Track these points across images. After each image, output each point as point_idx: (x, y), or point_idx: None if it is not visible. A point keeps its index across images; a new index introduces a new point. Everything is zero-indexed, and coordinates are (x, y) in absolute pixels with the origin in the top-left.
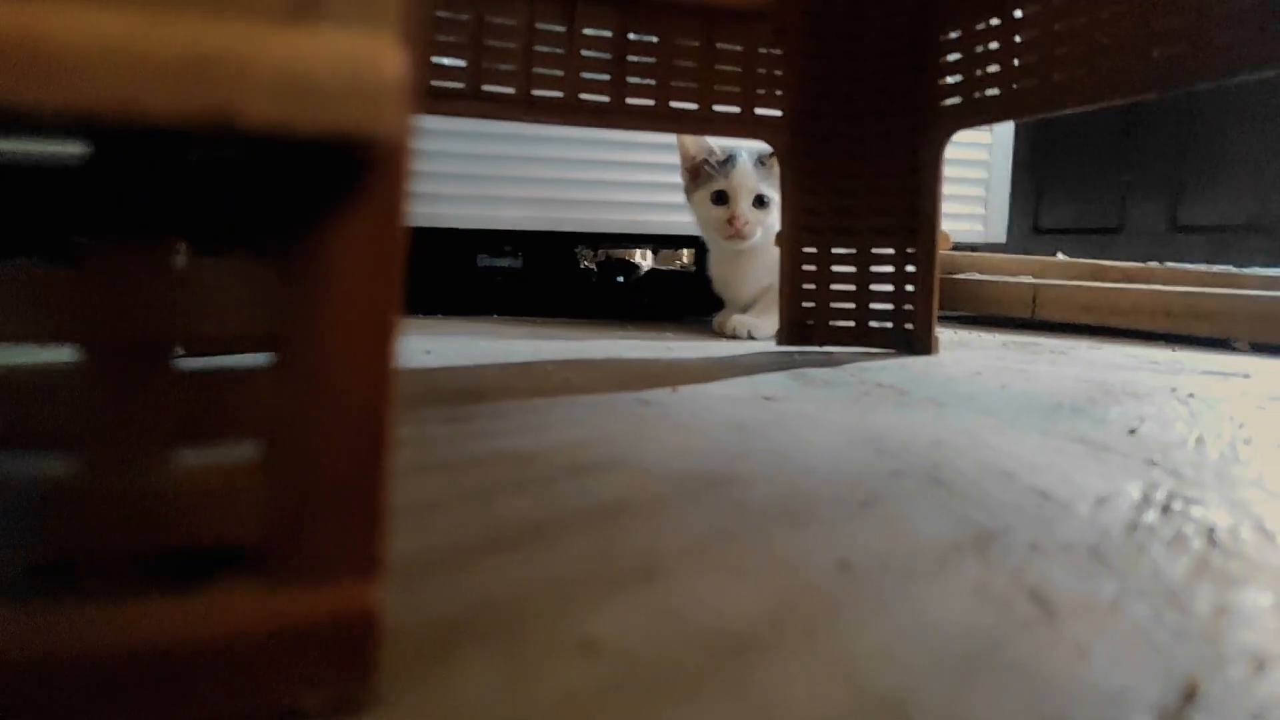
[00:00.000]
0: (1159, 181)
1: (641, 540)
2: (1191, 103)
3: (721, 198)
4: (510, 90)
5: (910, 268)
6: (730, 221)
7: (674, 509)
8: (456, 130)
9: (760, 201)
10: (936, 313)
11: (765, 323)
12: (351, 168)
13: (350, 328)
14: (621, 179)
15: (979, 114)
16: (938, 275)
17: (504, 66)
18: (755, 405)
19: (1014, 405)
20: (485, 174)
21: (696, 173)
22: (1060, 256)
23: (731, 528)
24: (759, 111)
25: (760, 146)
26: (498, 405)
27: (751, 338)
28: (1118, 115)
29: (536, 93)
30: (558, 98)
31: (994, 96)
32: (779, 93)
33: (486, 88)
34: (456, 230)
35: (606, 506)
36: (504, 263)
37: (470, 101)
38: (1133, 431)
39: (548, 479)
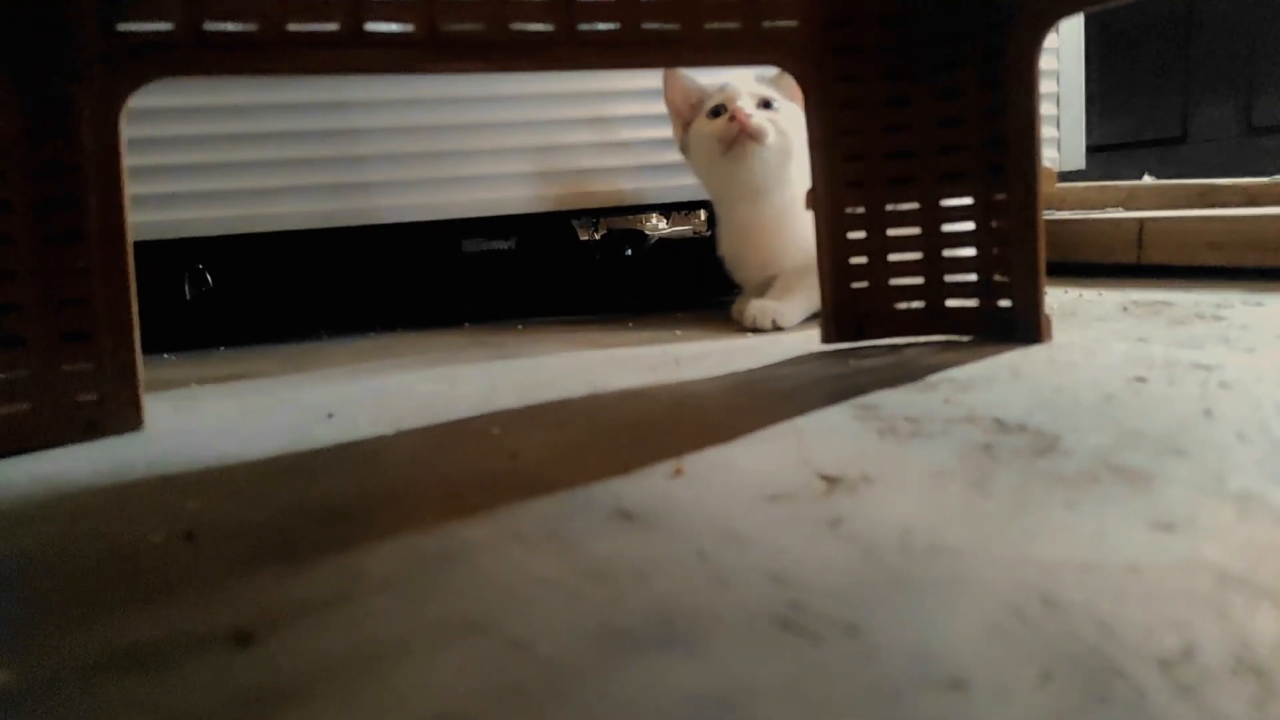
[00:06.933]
0: (1228, 80)
1: None
2: None
3: (719, 111)
4: (408, 28)
5: (999, 221)
6: (732, 120)
7: None
8: (413, 99)
9: (766, 105)
10: (1044, 281)
11: (790, 306)
12: None
13: None
14: (615, 138)
15: None
16: (1042, 228)
17: None
18: (812, 513)
19: (1277, 468)
20: (460, 149)
21: (690, 119)
22: (1147, 179)
23: None
24: (767, 24)
25: (764, 72)
26: (352, 569)
27: (778, 328)
28: (1174, 13)
29: (446, 26)
30: (476, 31)
31: None
32: None
33: (371, 27)
34: (434, 223)
35: None
36: (493, 245)
37: (347, 50)
38: None
39: None
